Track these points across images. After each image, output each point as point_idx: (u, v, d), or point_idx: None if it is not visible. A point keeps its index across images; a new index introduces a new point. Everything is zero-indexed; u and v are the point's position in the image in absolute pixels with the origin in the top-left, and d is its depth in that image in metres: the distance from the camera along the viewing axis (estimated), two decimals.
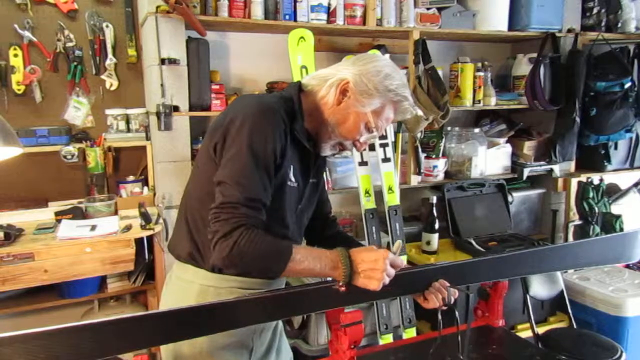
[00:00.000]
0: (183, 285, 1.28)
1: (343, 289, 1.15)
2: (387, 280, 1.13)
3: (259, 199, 1.12)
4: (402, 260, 1.19)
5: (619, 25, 3.02)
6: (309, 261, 1.13)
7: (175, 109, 2.27)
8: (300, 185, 1.30)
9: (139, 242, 2.16)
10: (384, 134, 2.48)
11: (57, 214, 2.25)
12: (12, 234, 2.03)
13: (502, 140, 3.04)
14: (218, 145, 1.17)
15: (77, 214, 2.26)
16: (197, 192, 1.26)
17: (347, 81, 1.23)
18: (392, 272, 1.15)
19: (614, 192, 3.12)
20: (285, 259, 1.11)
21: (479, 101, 2.88)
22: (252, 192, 1.11)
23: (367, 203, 2.36)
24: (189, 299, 1.25)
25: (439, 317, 1.29)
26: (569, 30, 2.96)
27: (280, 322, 1.46)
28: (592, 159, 3.14)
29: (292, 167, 1.24)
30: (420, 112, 2.50)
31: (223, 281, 1.25)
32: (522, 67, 3.03)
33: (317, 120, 1.27)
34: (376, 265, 1.12)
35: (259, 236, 1.09)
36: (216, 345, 1.24)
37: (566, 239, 3.12)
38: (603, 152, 3.09)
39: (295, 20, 2.41)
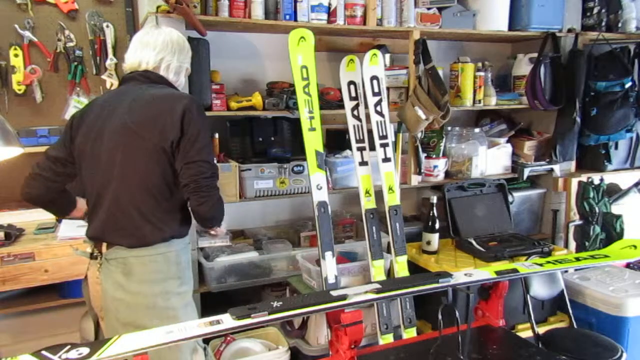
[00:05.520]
0: (168, 258, 1.56)
1: None
2: None
3: None
4: None
5: (620, 25, 3.02)
6: None
7: None
8: None
9: None
10: (385, 134, 2.47)
11: None
12: (12, 234, 2.04)
13: (502, 140, 3.04)
14: (175, 139, 1.50)
15: None
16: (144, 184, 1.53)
17: None
18: None
19: (614, 192, 3.12)
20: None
21: (480, 101, 2.88)
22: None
23: (368, 203, 2.36)
24: (174, 264, 1.58)
25: (440, 317, 1.29)
26: (570, 30, 2.96)
27: None
28: (592, 158, 3.14)
29: None
30: (420, 112, 2.50)
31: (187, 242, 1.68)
32: (523, 67, 3.03)
33: None
34: None
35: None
36: (185, 302, 1.60)
37: (567, 239, 3.12)
38: (603, 152, 3.09)
39: (295, 20, 2.41)
